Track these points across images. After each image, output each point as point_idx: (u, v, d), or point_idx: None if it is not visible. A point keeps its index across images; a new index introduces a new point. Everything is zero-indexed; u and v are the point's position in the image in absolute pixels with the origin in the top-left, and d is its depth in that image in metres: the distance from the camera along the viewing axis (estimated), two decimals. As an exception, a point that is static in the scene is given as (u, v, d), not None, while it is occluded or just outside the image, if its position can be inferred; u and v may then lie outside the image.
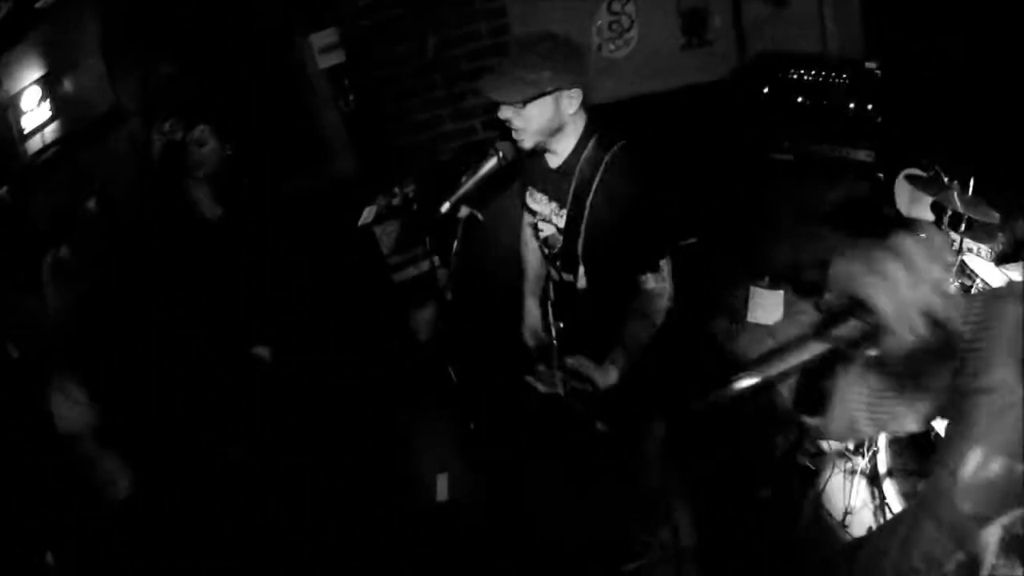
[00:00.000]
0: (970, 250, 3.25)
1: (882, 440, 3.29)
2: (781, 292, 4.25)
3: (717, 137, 3.99)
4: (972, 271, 3.07)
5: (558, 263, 2.45)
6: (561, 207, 2.33)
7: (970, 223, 3.14)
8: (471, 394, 3.53)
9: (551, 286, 2.67)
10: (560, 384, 2.41)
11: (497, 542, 3.31)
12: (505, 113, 2.17)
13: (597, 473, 3.24)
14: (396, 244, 3.75)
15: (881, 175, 3.66)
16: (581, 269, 2.38)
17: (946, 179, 3.02)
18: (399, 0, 3.73)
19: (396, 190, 3.75)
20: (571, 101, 2.19)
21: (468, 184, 2.23)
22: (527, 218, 2.59)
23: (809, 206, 3.97)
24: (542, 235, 2.47)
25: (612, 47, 4.09)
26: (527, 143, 2.22)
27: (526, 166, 2.44)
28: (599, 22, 4.03)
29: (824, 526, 3.28)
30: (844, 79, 3.60)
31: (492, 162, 2.25)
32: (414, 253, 3.81)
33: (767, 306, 4.21)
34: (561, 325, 2.54)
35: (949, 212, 3.07)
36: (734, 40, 4.10)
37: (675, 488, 3.36)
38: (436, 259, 3.83)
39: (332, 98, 3.89)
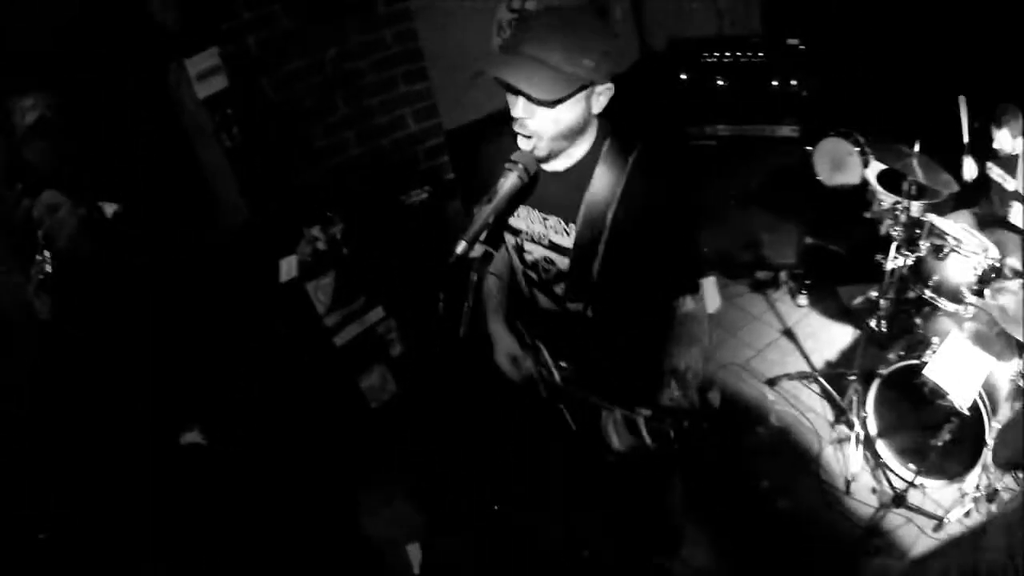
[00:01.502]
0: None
1: (870, 402, 3.33)
2: (713, 278, 4.21)
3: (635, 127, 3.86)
4: (941, 231, 3.18)
5: (558, 290, 2.03)
6: (567, 221, 1.90)
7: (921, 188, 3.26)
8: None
9: (530, 317, 2.22)
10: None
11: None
12: (521, 111, 1.68)
13: (610, 497, 2.88)
14: (334, 299, 3.20)
15: (809, 148, 3.71)
16: (592, 296, 1.99)
17: (907, 148, 3.09)
18: (291, 9, 3.17)
19: (317, 233, 3.20)
20: (601, 99, 1.75)
21: (487, 212, 1.72)
22: (506, 236, 2.10)
23: (736, 187, 3.96)
24: (528, 258, 2.05)
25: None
26: (541, 151, 1.76)
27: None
28: (500, 18, 3.72)
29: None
30: (762, 57, 3.61)
31: (512, 180, 1.75)
32: (355, 306, 3.30)
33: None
34: (563, 364, 2.14)
35: (909, 180, 3.15)
36: (635, 31, 3.99)
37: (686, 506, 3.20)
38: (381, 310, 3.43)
39: (214, 133, 3.24)
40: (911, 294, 3.33)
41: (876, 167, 3.61)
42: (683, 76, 3.70)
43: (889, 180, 3.48)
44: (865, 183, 3.65)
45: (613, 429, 1.88)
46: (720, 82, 3.68)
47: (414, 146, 3.70)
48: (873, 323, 3.43)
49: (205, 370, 2.93)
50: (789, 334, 4.02)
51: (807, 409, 3.63)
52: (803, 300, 4.11)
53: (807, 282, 4.08)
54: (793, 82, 3.59)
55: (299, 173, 3.46)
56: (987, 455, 2.95)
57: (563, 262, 1.96)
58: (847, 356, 3.82)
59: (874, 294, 3.72)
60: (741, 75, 3.66)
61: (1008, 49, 3.51)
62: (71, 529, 2.53)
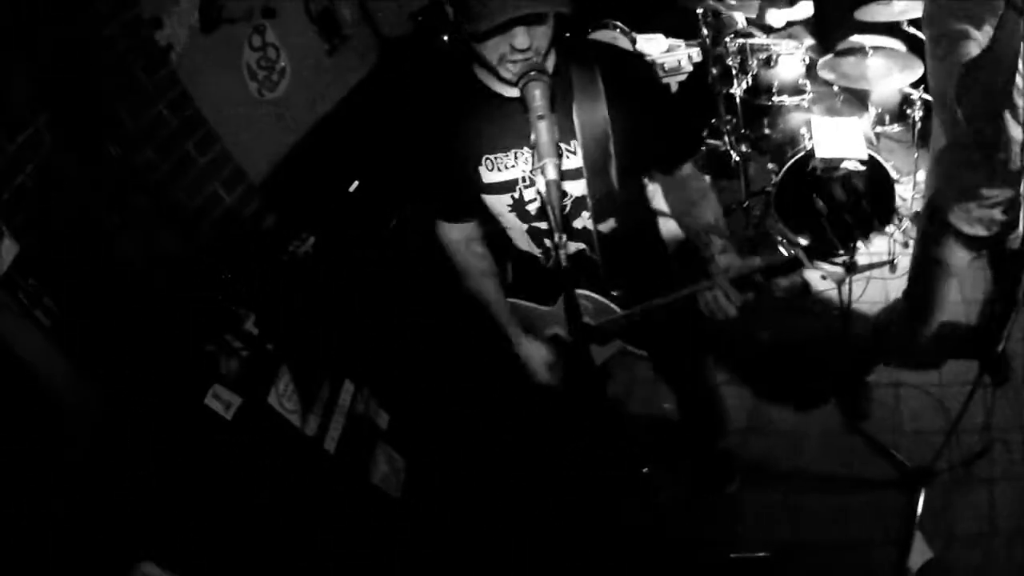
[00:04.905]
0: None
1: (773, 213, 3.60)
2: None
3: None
4: (761, 45, 3.63)
5: (581, 221, 1.91)
6: (566, 140, 1.75)
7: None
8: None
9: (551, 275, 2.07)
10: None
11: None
12: (524, 39, 1.51)
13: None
14: (302, 401, 2.51)
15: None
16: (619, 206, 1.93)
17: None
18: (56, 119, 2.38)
19: (232, 340, 2.48)
20: None
21: (545, 128, 1.52)
22: (490, 201, 1.92)
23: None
24: (533, 207, 1.88)
25: (269, 84, 3.35)
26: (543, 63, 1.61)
27: (453, 127, 1.82)
28: (247, 63, 3.25)
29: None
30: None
31: (542, 87, 1.53)
32: (324, 395, 2.65)
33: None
34: (614, 293, 2.02)
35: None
36: (366, 24, 3.80)
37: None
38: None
39: (25, 317, 2.34)
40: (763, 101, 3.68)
41: (644, 39, 3.90)
42: (445, 38, 3.59)
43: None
44: (641, 55, 3.90)
45: (723, 300, 1.77)
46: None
47: (238, 217, 3.07)
48: (734, 157, 3.70)
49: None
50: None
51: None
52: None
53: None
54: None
55: (139, 309, 2.66)
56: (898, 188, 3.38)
57: (578, 186, 1.83)
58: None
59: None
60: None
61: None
62: None
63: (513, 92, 1.67)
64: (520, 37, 1.51)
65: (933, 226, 2.39)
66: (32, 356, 2.36)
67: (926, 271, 2.54)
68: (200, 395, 2.35)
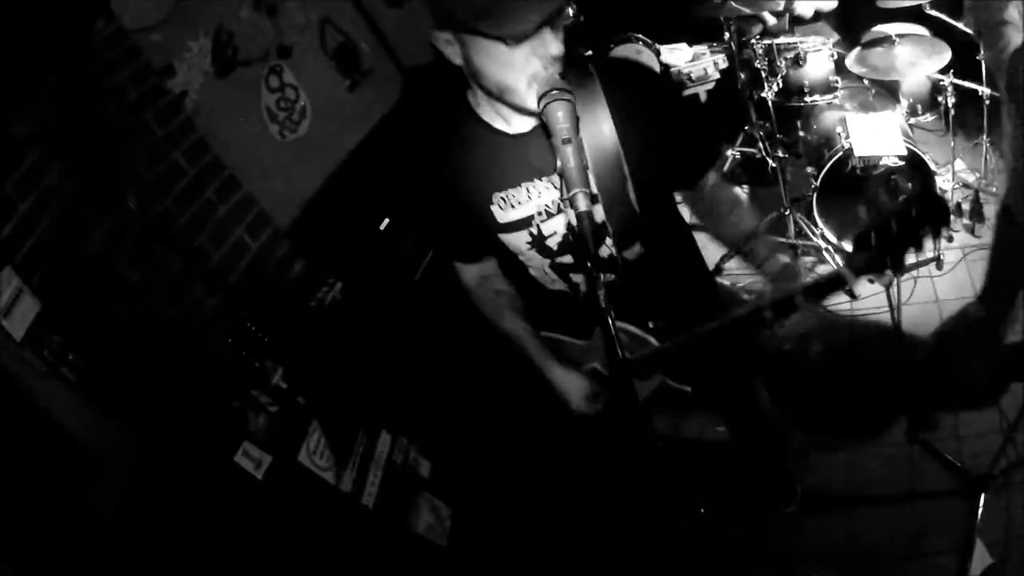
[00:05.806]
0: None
1: (817, 218, 3.45)
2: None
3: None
4: (788, 44, 3.53)
5: (606, 248, 1.80)
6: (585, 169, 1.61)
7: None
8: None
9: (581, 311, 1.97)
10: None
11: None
12: (557, 43, 1.43)
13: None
14: (335, 456, 2.43)
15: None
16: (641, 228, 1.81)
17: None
18: (69, 171, 2.34)
19: (261, 396, 2.40)
20: None
21: (571, 154, 1.39)
22: (507, 240, 1.84)
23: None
24: (554, 241, 1.79)
25: (291, 125, 3.32)
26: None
27: (457, 167, 1.73)
28: (266, 105, 3.21)
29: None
30: None
31: (565, 106, 1.42)
32: (359, 448, 2.56)
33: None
34: (651, 324, 1.91)
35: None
36: (387, 56, 3.74)
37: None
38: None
39: (50, 375, 2.31)
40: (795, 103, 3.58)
41: (668, 50, 3.81)
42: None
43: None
44: (666, 68, 3.81)
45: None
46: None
47: (265, 264, 3.00)
48: (772, 164, 3.57)
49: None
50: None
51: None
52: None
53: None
54: (582, 17, 3.74)
55: (162, 365, 2.62)
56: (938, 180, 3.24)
57: (597, 212, 1.69)
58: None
59: (730, 152, 3.89)
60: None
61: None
62: None
63: (519, 128, 1.62)
64: (554, 43, 1.42)
65: (1006, 227, 2.24)
66: (60, 413, 2.34)
67: (1003, 276, 2.41)
68: (229, 454, 2.28)
